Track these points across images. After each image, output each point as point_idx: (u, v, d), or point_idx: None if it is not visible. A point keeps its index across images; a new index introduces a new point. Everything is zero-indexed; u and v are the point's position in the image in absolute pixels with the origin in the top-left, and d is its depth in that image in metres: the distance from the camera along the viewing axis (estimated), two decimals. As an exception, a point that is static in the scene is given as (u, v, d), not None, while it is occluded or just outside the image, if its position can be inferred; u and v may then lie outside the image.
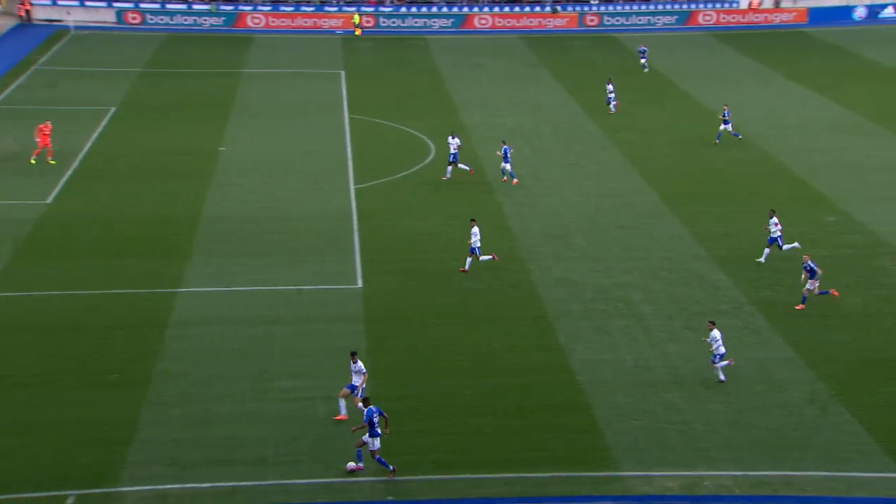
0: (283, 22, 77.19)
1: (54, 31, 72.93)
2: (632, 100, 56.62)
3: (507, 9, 79.96)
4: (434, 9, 79.57)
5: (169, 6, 77.58)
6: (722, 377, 26.16)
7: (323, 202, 39.17)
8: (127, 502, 21.39)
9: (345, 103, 54.70)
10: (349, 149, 46.41)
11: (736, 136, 47.31)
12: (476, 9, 79.66)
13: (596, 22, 79.73)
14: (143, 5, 77.25)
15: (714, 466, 22.93)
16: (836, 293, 30.73)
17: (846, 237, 36.38)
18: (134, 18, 76.30)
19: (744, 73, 64.48)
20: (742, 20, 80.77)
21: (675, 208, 39.04)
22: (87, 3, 76.87)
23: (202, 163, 44.03)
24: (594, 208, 39.26)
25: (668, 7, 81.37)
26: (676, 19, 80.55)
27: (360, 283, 32.06)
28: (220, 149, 46.34)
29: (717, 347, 26.08)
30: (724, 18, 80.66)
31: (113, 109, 52.56)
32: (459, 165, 41.81)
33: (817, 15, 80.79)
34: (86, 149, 45.81)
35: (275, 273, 32.72)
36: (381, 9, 79.13)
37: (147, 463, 22.56)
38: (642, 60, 63.26)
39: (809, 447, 23.59)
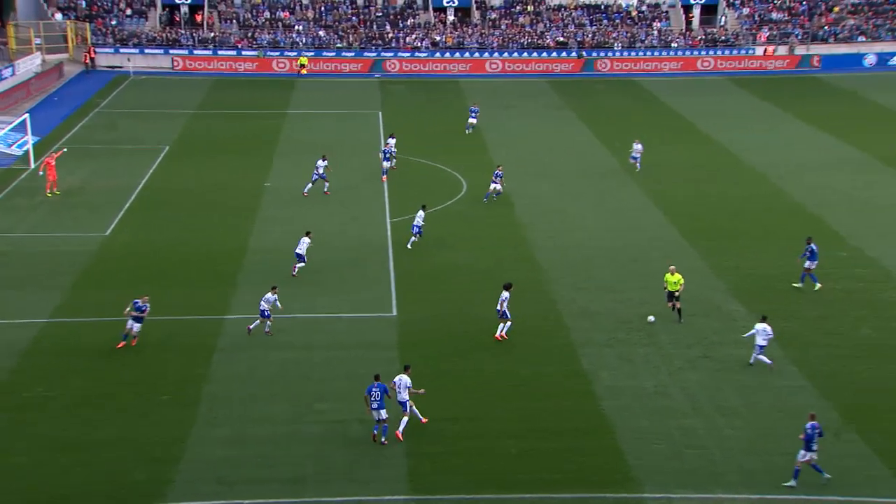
0: (324, 66, 78.15)
1: (115, 77, 74.31)
2: (652, 139, 56.59)
3: (535, 54, 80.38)
4: (466, 54, 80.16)
5: (220, 52, 78.80)
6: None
7: (361, 234, 39.34)
8: (175, 517, 21.48)
9: (382, 142, 55.09)
10: (386, 184, 46.66)
11: (487, 196, 43.42)
12: (506, 54, 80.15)
13: (617, 67, 79.87)
14: (196, 52, 78.54)
15: (731, 490, 22.60)
16: None
17: (858, 271, 35.96)
18: (188, 64, 77.50)
19: (759, 114, 64.23)
20: (755, 66, 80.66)
21: (693, 242, 38.82)
22: (146, 51, 78.34)
23: (248, 197, 44.46)
24: (616, 242, 39.13)
25: (680, 54, 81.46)
26: (693, 64, 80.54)
27: (394, 312, 32.10)
28: (266, 184, 46.80)
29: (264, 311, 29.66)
30: (741, 64, 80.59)
31: (167, 148, 53.31)
32: (325, 185, 44.65)
33: (830, 62, 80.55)
34: (141, 184, 46.42)
35: (314, 301, 32.87)
36: (417, 54, 79.83)
37: (194, 480, 22.62)
38: (472, 120, 57.26)
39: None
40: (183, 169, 49.41)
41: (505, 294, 29.77)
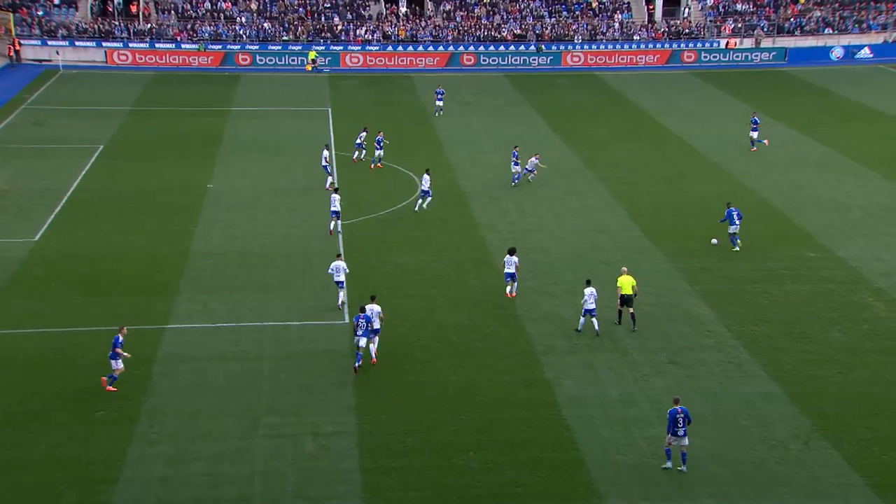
0: (270, 60, 77.67)
1: (43, 71, 73.14)
2: (615, 137, 57.09)
3: (491, 48, 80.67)
4: (420, 48, 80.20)
5: (158, 45, 77.94)
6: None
7: (310, 238, 39.14)
8: (112, 541, 21.18)
9: (332, 140, 54.86)
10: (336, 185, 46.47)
11: (515, 179, 46.08)
12: (461, 47, 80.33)
13: (580, 61, 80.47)
14: (132, 45, 77.62)
15: (698, 501, 22.85)
16: None
17: (827, 272, 36.57)
18: (123, 58, 76.55)
19: (725, 110, 65.08)
20: (723, 59, 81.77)
21: (659, 244, 39.21)
22: (77, 43, 77.16)
23: (190, 200, 44.04)
24: (580, 243, 39.39)
25: (651, 46, 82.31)
26: (657, 58, 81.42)
27: (346, 319, 31.99)
28: (209, 186, 46.39)
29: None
30: (705, 57, 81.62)
31: (101, 147, 52.61)
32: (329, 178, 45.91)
33: (796, 55, 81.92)
34: (73, 186, 45.76)
35: (261, 309, 32.64)
36: (368, 48, 79.70)
37: (133, 502, 22.33)
38: (438, 103, 61.47)
39: (793, 481, 23.57)
40: (119, 170, 48.77)
41: (516, 258, 33.21)
